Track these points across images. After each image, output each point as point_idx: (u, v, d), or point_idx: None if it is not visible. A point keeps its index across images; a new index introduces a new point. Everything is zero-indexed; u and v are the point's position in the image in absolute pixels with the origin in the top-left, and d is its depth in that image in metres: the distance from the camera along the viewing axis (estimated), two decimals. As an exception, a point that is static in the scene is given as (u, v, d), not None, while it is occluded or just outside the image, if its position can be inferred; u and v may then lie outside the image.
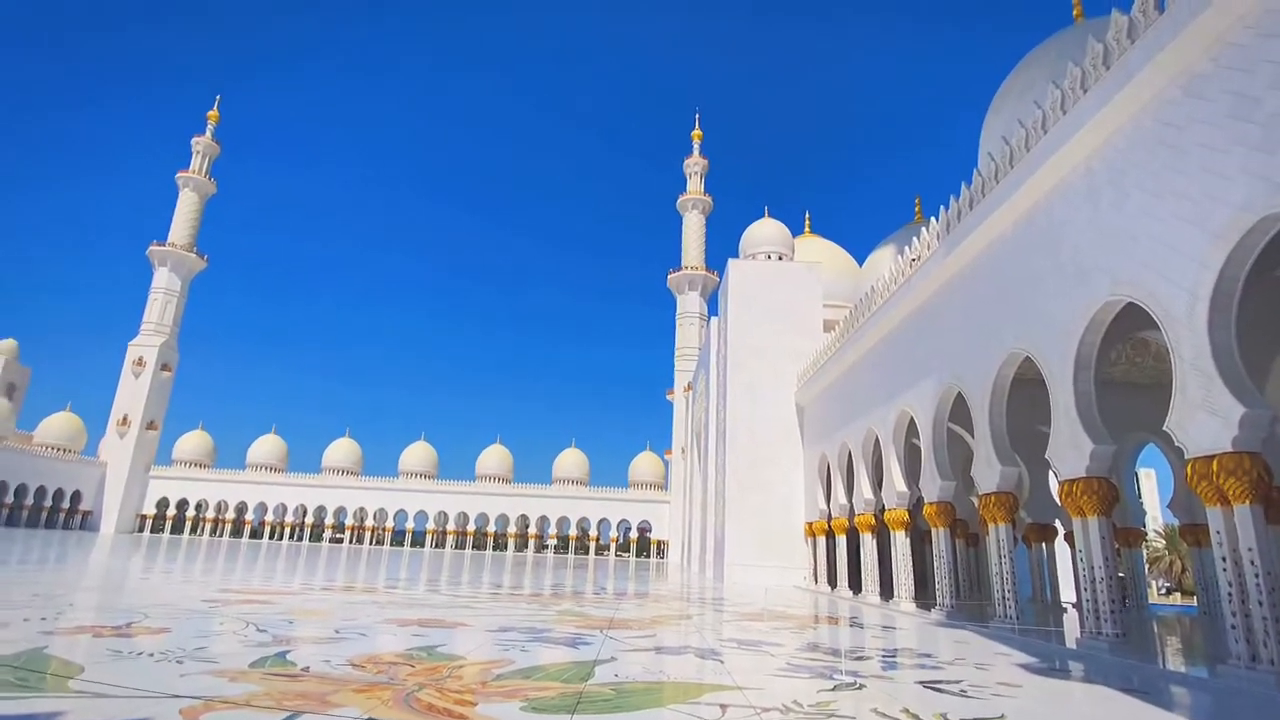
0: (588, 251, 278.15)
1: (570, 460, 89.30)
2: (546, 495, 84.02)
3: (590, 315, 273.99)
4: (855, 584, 24.99)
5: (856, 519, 24.45)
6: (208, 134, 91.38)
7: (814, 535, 30.21)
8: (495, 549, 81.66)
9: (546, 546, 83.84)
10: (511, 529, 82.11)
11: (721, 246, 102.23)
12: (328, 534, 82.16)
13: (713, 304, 79.52)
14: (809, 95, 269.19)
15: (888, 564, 21.90)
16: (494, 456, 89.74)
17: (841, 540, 26.43)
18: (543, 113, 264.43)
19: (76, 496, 76.02)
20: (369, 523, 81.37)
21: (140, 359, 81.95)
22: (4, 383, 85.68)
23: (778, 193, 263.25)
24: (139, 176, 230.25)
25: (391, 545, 79.15)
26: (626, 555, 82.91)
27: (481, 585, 20.78)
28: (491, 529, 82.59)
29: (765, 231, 43.63)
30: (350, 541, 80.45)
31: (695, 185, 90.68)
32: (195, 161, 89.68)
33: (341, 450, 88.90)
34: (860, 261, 48.45)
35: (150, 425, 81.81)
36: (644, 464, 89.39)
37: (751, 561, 32.12)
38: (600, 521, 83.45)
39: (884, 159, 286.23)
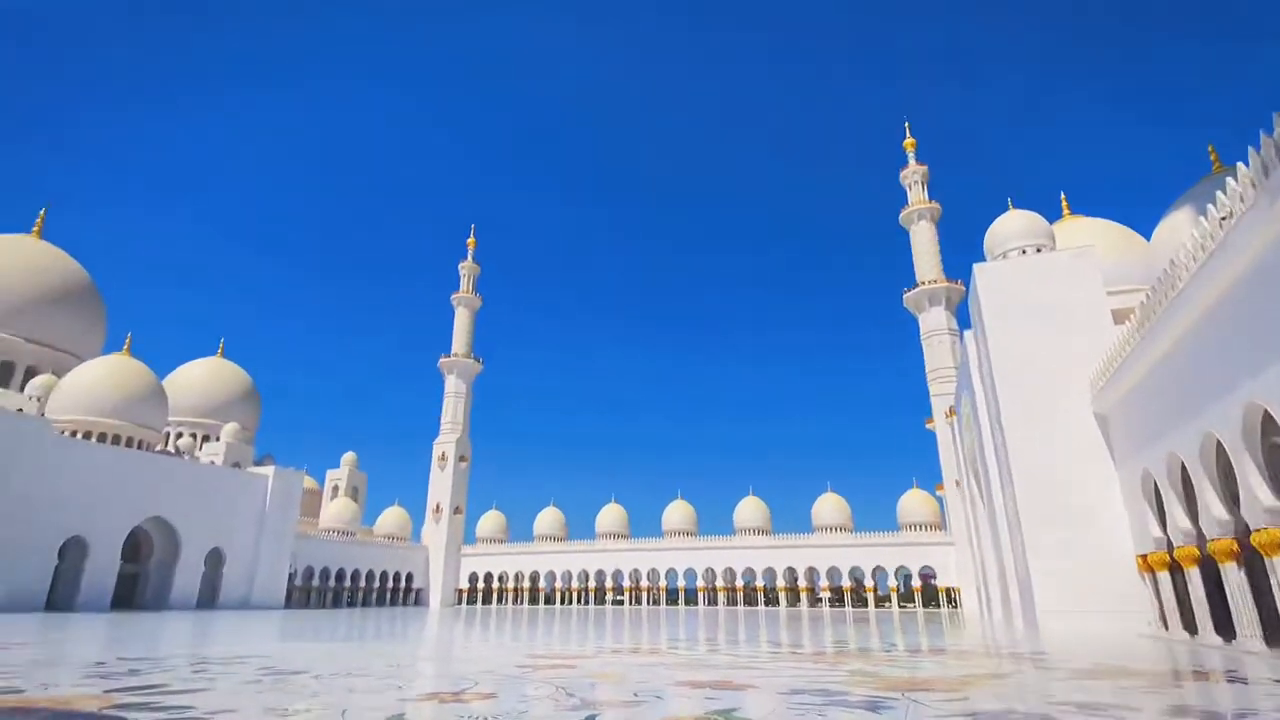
0: (812, 285, 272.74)
1: (828, 506, 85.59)
2: (809, 545, 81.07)
3: (827, 349, 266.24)
4: (1224, 627, 19.90)
5: (1210, 546, 19.67)
6: (469, 258, 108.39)
7: (1152, 570, 24.88)
8: (766, 604, 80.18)
9: (820, 600, 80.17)
10: (779, 582, 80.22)
11: (957, 257, 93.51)
12: (609, 596, 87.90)
13: (961, 318, 72.29)
14: (1016, 59, 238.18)
15: (1268, 600, 17.14)
16: (749, 508, 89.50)
17: (1194, 573, 21.39)
18: (739, 145, 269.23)
19: (410, 577, 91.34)
20: (643, 583, 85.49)
21: (443, 454, 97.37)
22: (350, 487, 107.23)
23: (1017, 182, 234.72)
24: (425, 296, 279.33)
25: (667, 604, 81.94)
26: (911, 606, 75.85)
27: (759, 644, 20.40)
28: (759, 583, 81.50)
29: (1013, 224, 38.93)
30: (630, 602, 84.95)
31: (918, 195, 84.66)
32: (464, 284, 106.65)
33: (610, 515, 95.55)
34: (1147, 235, 40.71)
35: (457, 510, 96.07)
36: (913, 502, 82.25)
37: (1070, 607, 27.32)
38: (874, 570, 77.95)
39: (1143, 115, 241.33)
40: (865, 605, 78.04)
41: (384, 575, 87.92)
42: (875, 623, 37.60)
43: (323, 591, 79.81)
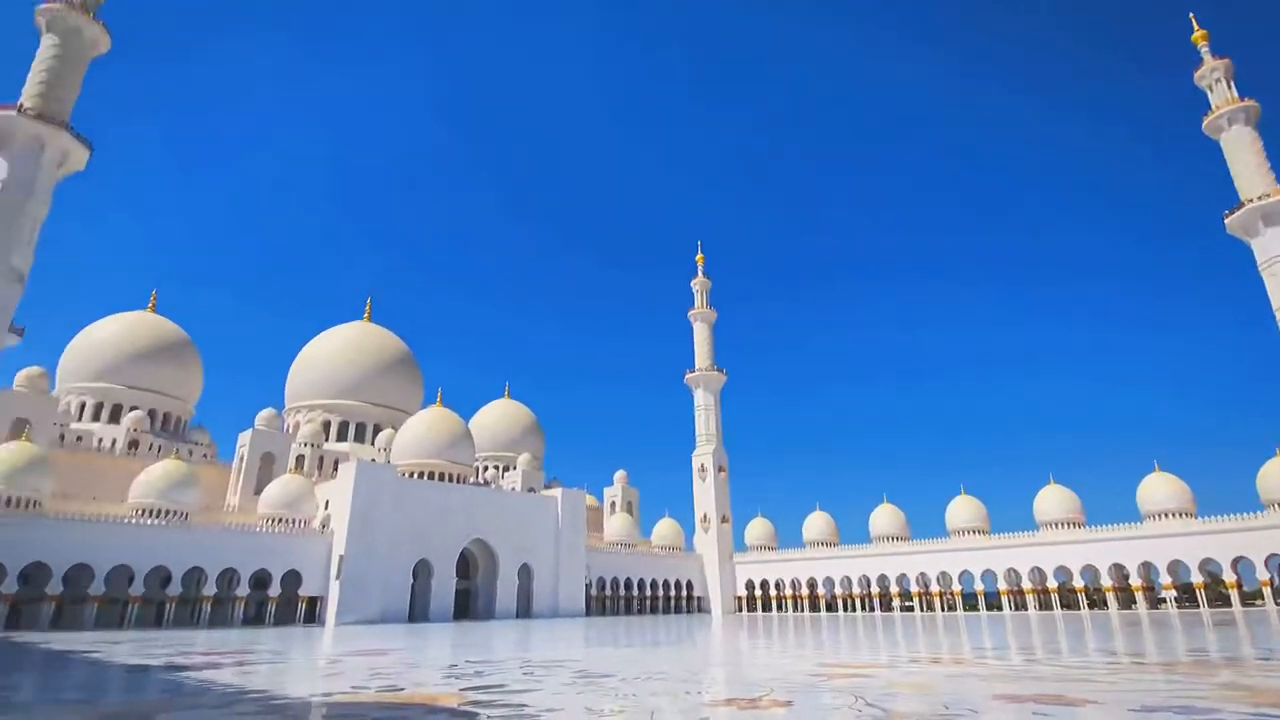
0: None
1: (1159, 487, 70.85)
2: (1139, 536, 67.85)
3: (1129, 312, 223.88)
4: None
5: None
6: (699, 273, 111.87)
7: None
8: (1090, 606, 68.71)
9: (1162, 600, 66.62)
10: (1105, 581, 68.23)
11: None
12: (895, 603, 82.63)
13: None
14: None
15: None
16: (1052, 499, 77.84)
17: None
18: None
19: (689, 585, 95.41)
20: (933, 588, 78.87)
21: (701, 466, 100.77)
22: (625, 502, 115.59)
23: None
24: (661, 318, 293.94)
25: (965, 610, 74.46)
26: (1301, 605, 59.44)
27: (1086, 652, 17.53)
28: (1077, 583, 70.19)
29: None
30: (921, 608, 79.04)
31: (1224, 94, 67.71)
32: (698, 299, 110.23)
33: (885, 517, 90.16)
34: None
35: (724, 519, 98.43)
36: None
37: None
38: (1235, 561, 62.64)
39: None
40: (1227, 604, 63.02)
41: (665, 584, 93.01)
42: (1245, 625, 30.09)
43: (615, 600, 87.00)
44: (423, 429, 78.86)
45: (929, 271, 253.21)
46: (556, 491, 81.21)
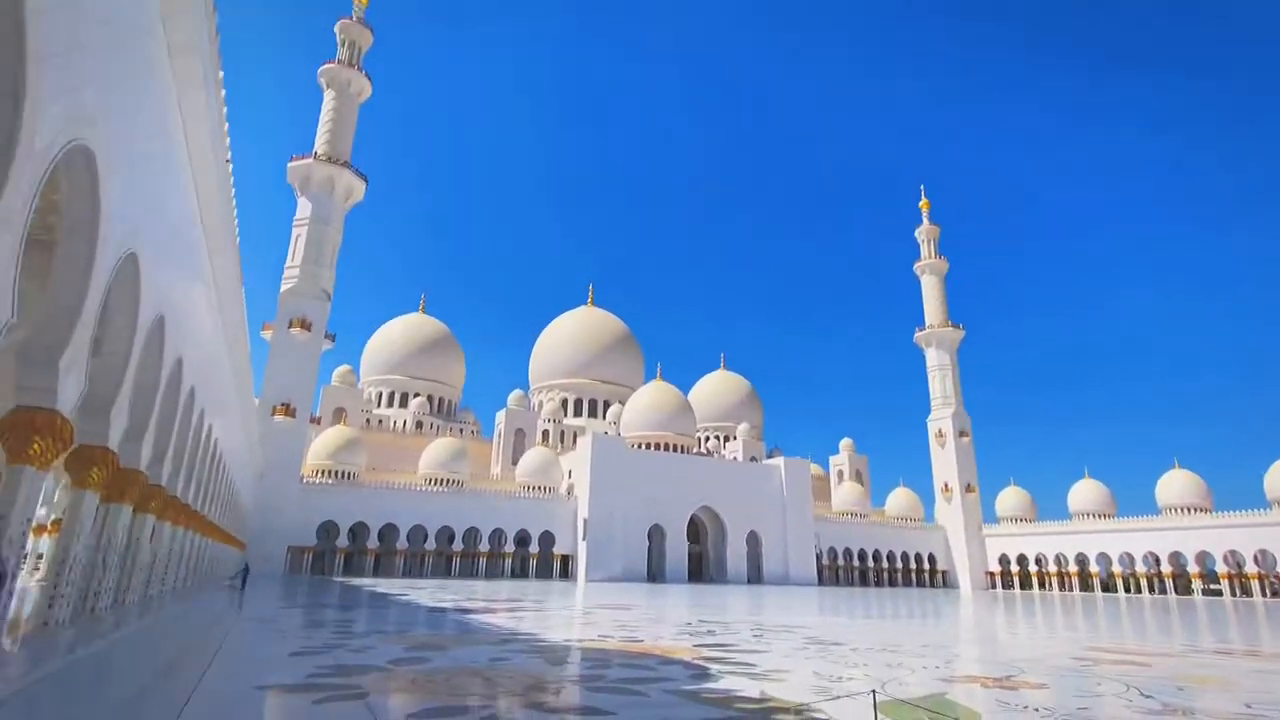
0: None
1: None
2: None
3: None
4: None
5: None
6: (925, 220, 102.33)
7: None
8: None
9: None
10: None
11: None
12: (1195, 585, 69.60)
13: None
14: None
15: None
16: None
17: None
18: None
19: (931, 559, 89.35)
20: (1248, 568, 65.00)
21: (939, 431, 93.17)
22: (853, 471, 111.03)
23: None
24: (891, 270, 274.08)
25: (1297, 599, 60.28)
26: None
27: None
28: None
29: None
30: (1232, 592, 65.82)
31: None
32: (925, 249, 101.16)
33: (1178, 483, 76.09)
34: None
35: (969, 489, 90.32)
36: None
37: None
38: None
39: None
40: None
41: (904, 556, 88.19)
42: None
43: (848, 570, 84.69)
44: (646, 403, 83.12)
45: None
46: (779, 460, 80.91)
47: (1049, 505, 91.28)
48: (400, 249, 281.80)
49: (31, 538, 30.13)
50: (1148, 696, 7.81)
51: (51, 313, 8.03)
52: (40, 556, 30.33)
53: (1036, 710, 7.00)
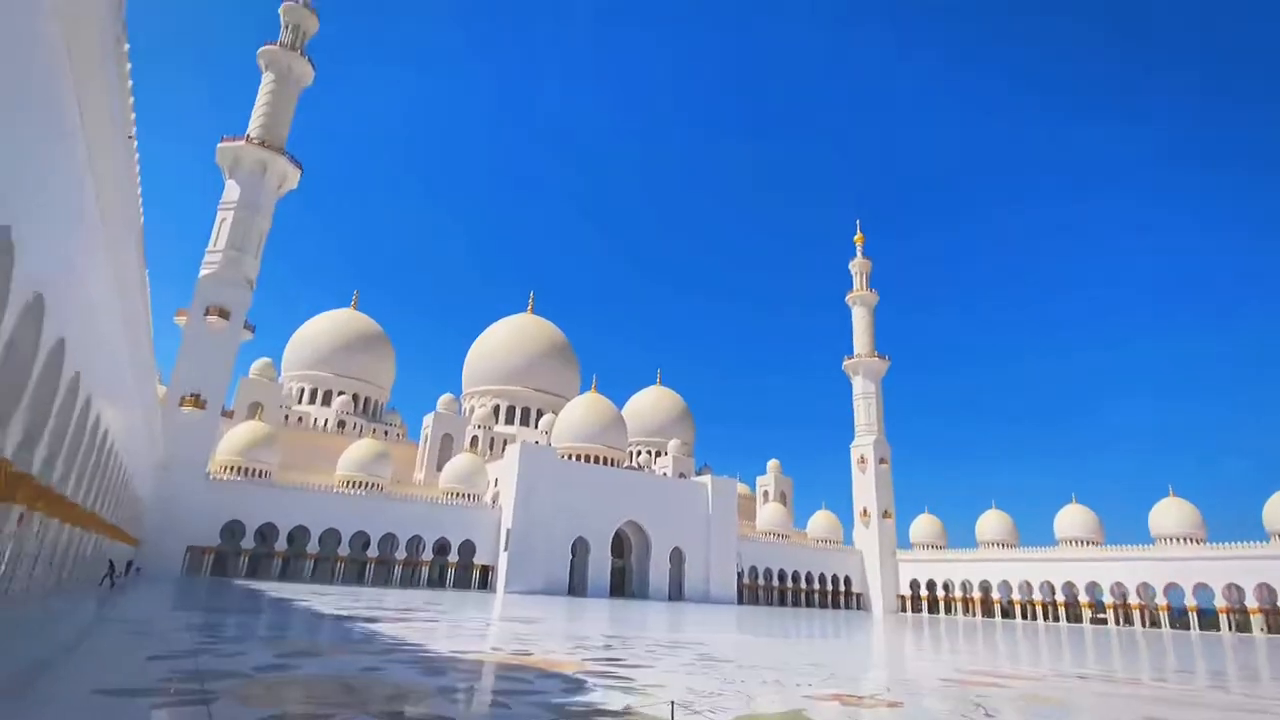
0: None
1: None
2: None
3: None
4: None
5: None
6: (859, 254, 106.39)
7: None
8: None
9: None
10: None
11: None
12: (1084, 614, 74.00)
13: None
14: None
15: None
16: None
17: None
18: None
19: (848, 581, 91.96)
20: (1131, 599, 69.57)
21: (861, 457, 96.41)
22: (778, 492, 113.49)
23: None
24: (820, 305, 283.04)
25: (1172, 627, 64.86)
26: None
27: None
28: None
29: None
30: (1116, 621, 70.22)
31: None
32: (857, 281, 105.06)
33: (1073, 517, 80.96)
34: None
35: (885, 514, 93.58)
36: None
37: None
38: None
39: None
40: None
41: (822, 577, 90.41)
42: None
43: (769, 590, 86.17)
44: (579, 414, 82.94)
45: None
46: (707, 478, 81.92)
47: (958, 533, 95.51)
48: (333, 244, 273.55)
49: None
50: (990, 716, 8.30)
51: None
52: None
53: (881, 727, 7.35)
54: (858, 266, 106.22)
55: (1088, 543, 78.74)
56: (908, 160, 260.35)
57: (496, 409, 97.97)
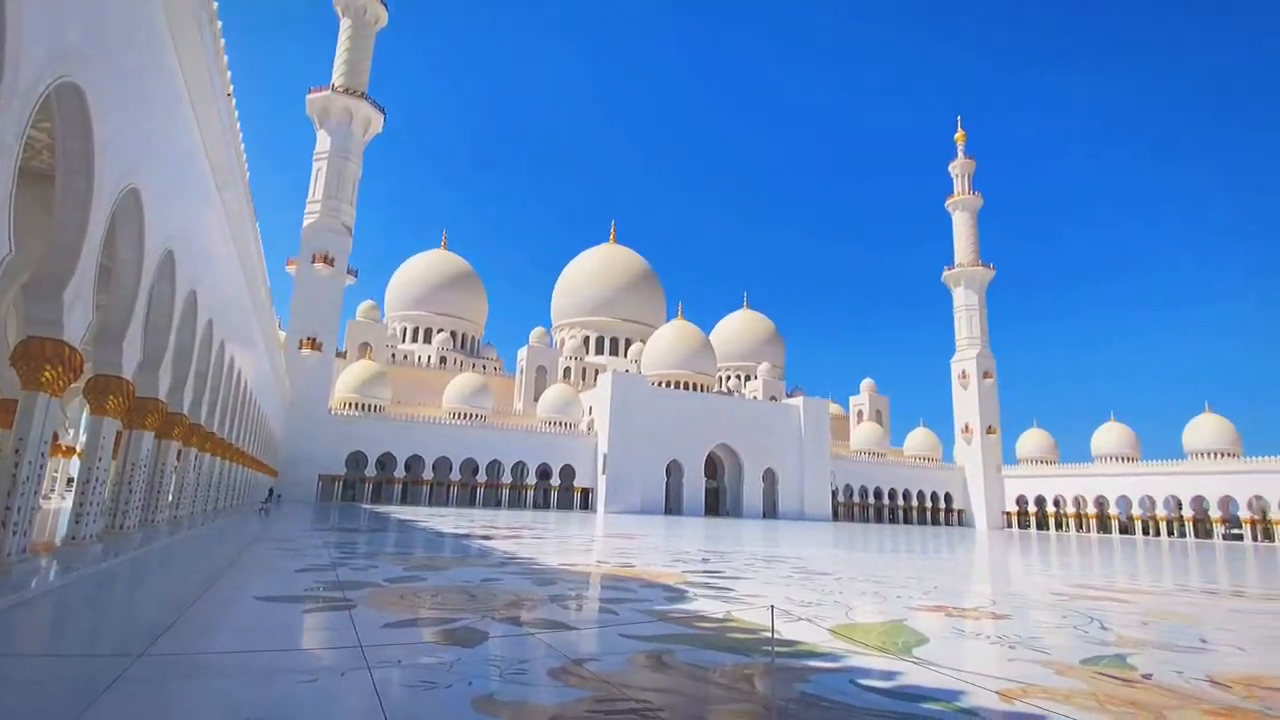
0: None
1: None
2: None
3: None
4: None
5: None
6: (960, 154, 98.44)
7: None
8: None
9: None
10: None
11: None
12: (1218, 529, 69.45)
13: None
14: None
15: None
16: None
17: None
18: None
19: (949, 498, 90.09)
20: (1274, 513, 64.46)
21: (963, 372, 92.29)
22: (873, 411, 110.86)
23: None
24: (913, 213, 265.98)
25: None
26: None
27: None
28: None
29: None
30: (1255, 538, 65.64)
31: None
32: (958, 184, 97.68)
33: (1208, 428, 74.95)
34: None
35: (989, 430, 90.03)
36: None
37: None
38: None
39: None
40: None
41: (920, 495, 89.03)
42: None
43: (864, 507, 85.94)
44: (667, 342, 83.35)
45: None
46: (798, 400, 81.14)
47: (1072, 449, 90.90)
48: (420, 184, 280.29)
49: (63, 461, 31.93)
50: (1106, 629, 8.07)
51: (55, 246, 8.37)
52: (70, 480, 32.13)
53: (987, 638, 7.33)
54: (959, 168, 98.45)
55: (1224, 454, 73.01)
56: (1013, 45, 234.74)
57: (586, 340, 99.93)
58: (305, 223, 61.01)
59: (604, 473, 67.46)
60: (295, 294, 60.02)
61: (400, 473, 62.92)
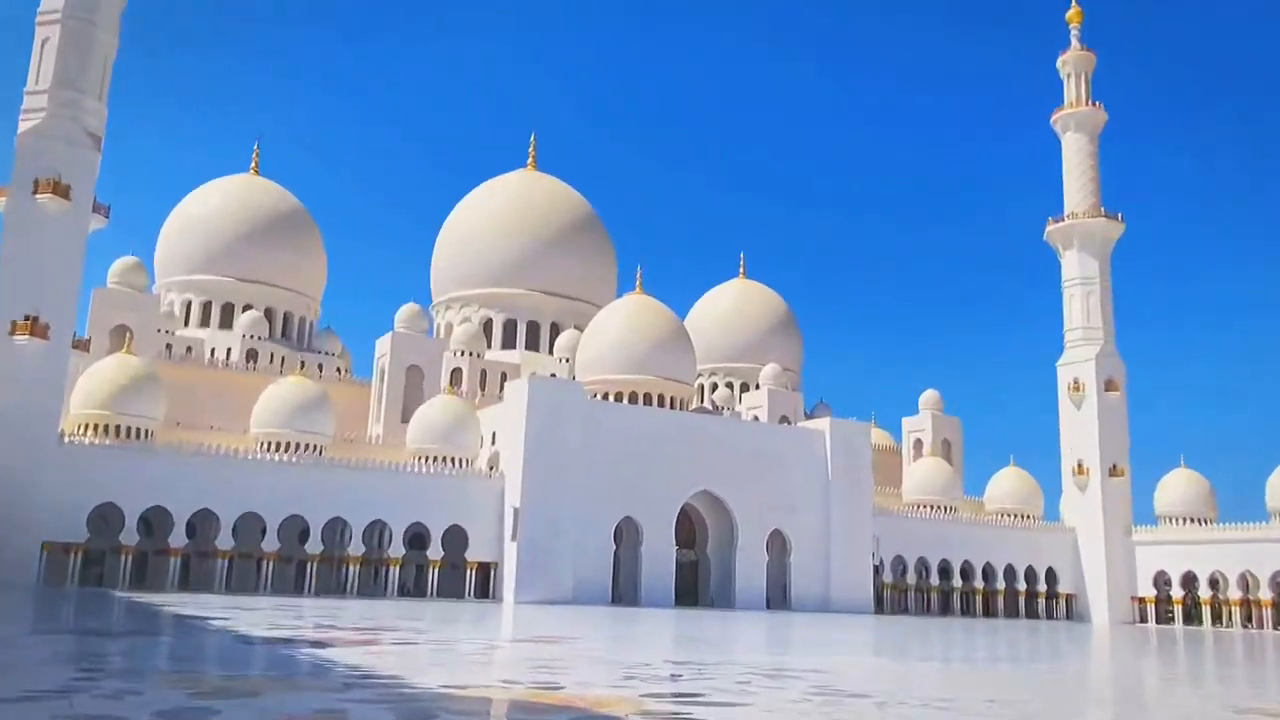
0: None
1: None
2: None
3: None
4: None
5: None
6: (1074, 43, 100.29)
7: None
8: None
9: None
10: None
11: None
12: None
13: None
14: None
15: None
16: None
17: None
18: None
19: (1051, 575, 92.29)
20: None
21: (1075, 381, 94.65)
22: (938, 441, 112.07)
23: None
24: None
25: None
26: None
27: None
28: None
29: None
30: None
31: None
32: (1070, 89, 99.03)
33: None
34: None
35: (1113, 470, 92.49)
36: None
37: None
38: None
39: None
40: None
41: (1010, 571, 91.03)
42: None
43: (922, 592, 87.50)
44: (618, 329, 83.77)
45: None
46: (824, 423, 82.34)
47: (1236, 502, 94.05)
48: (219, 67, 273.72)
49: None
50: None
51: None
52: None
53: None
54: (1072, 62, 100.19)
55: None
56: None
57: (488, 324, 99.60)
58: (20, 128, 59.14)
59: (514, 539, 67.26)
60: (4, 243, 58.07)
61: (179, 540, 61.66)
